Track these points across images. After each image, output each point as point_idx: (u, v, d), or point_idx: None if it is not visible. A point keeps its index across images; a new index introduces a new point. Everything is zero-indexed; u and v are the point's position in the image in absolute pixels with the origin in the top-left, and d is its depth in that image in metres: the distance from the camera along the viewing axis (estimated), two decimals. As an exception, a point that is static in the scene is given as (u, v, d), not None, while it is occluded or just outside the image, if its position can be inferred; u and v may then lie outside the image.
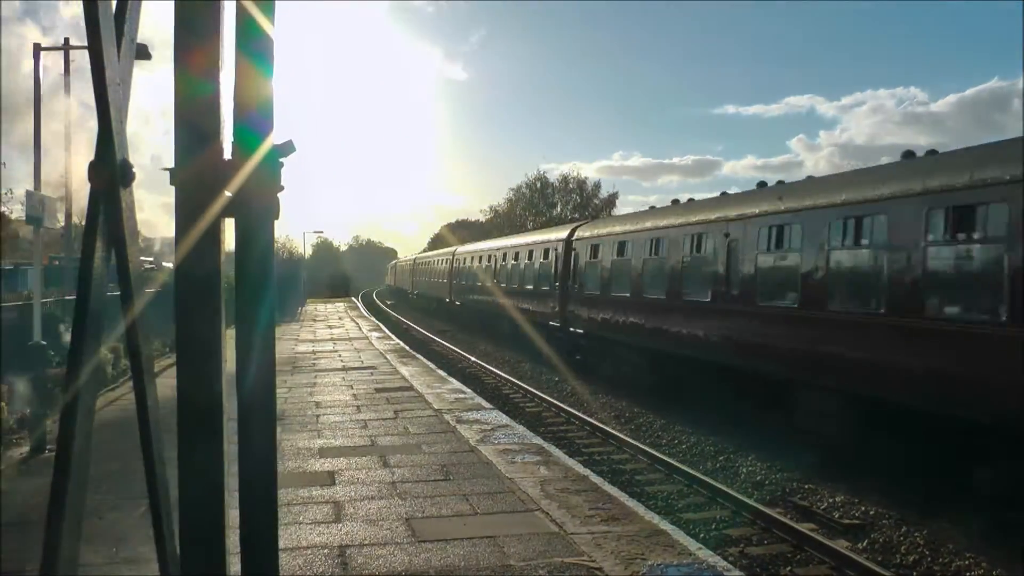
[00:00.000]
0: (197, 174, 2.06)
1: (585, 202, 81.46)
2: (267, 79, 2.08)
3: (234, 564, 2.22)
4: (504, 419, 12.65)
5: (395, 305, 75.47)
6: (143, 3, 2.36)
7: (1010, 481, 9.48)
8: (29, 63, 22.14)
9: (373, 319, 42.72)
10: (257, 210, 2.10)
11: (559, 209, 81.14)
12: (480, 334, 36.74)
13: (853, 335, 12.21)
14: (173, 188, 2.10)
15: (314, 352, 23.62)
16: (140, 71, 2.41)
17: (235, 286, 2.13)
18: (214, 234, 2.08)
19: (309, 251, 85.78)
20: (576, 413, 17.08)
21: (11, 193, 43.02)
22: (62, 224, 24.99)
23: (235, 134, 2.09)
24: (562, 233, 27.83)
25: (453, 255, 48.29)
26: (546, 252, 28.78)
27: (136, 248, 2.23)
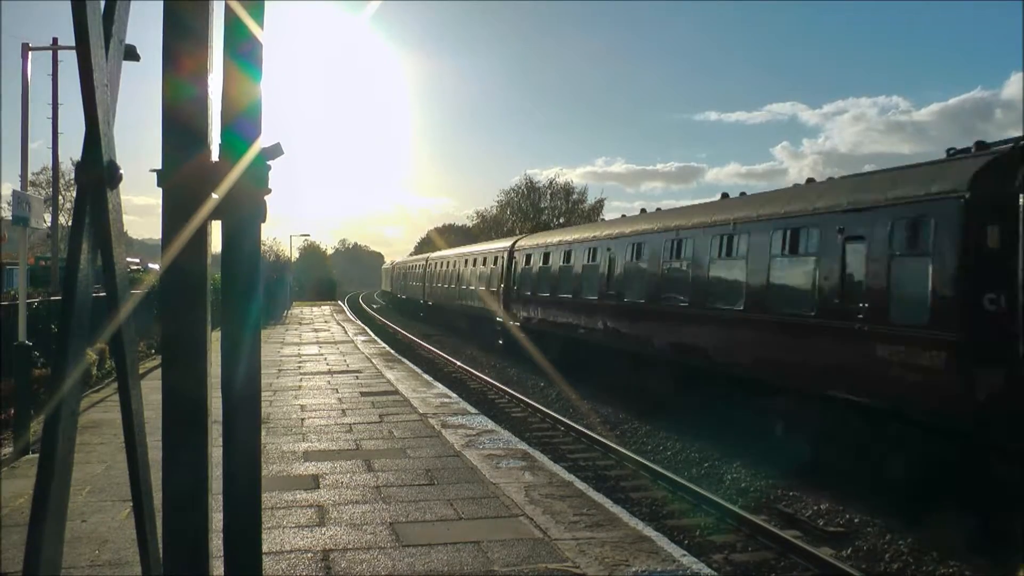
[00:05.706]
0: (185, 176, 2.06)
1: (572, 208, 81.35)
2: (255, 83, 2.07)
3: (217, 567, 2.22)
4: (489, 424, 12.63)
5: (381, 309, 75.33)
6: (131, 4, 2.35)
7: (995, 488, 9.56)
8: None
9: (359, 322, 42.62)
10: (244, 213, 2.10)
11: (546, 215, 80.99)
12: (466, 339, 36.78)
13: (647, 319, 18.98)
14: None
15: (299, 355, 23.54)
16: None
17: (221, 288, 2.13)
18: (201, 236, 2.07)
19: (295, 254, 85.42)
20: (561, 419, 17.08)
21: None
22: (48, 224, 24.86)
23: (223, 137, 2.09)
24: (507, 243, 33.20)
25: (427, 260, 54.59)
26: (495, 259, 33.82)
27: (122, 249, 2.22)
